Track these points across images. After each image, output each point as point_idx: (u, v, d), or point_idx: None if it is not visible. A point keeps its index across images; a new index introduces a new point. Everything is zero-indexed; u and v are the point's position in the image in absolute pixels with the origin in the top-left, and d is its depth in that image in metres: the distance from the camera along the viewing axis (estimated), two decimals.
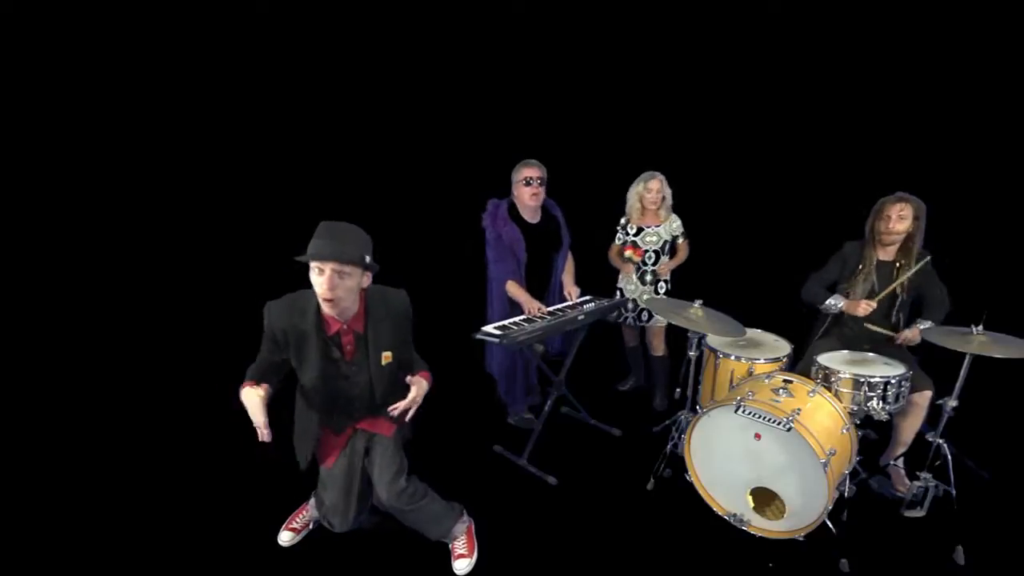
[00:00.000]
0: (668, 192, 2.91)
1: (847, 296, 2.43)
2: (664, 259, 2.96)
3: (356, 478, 1.83)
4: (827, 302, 2.42)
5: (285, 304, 1.66)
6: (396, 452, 1.83)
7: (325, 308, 1.60)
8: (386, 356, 1.73)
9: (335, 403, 1.77)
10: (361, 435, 1.85)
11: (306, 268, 1.58)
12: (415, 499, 1.83)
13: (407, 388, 1.74)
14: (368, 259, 1.60)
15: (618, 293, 3.08)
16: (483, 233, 2.67)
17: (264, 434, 1.55)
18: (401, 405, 1.69)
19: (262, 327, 1.67)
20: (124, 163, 3.72)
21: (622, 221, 3.02)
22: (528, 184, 2.59)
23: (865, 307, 2.32)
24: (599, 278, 3.14)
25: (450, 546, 1.96)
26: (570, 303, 2.73)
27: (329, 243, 1.54)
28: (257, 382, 1.63)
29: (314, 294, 1.60)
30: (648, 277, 2.98)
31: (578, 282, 2.87)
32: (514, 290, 2.62)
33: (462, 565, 1.90)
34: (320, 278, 1.54)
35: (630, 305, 3.01)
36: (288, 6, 3.62)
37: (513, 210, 2.66)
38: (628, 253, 2.98)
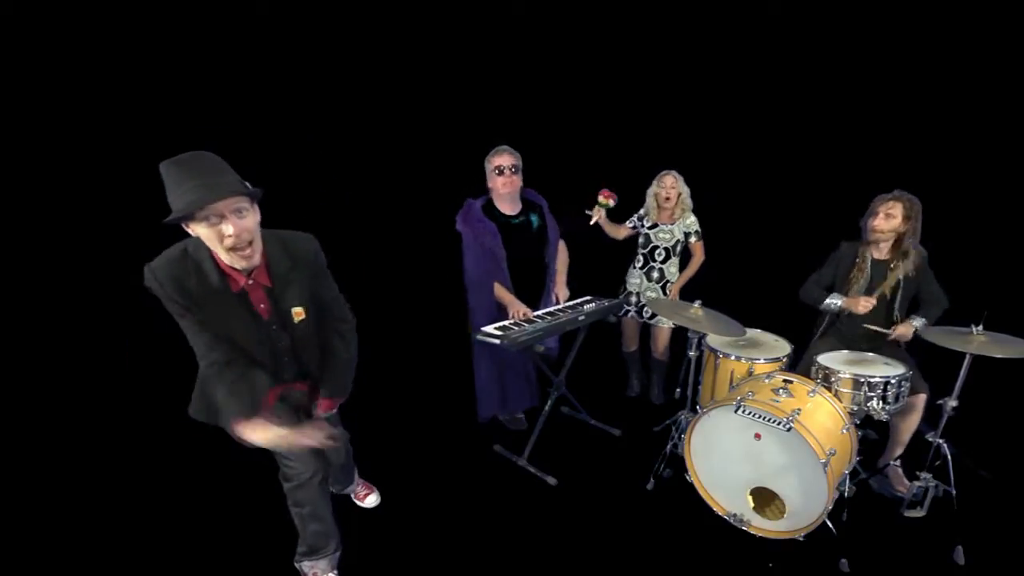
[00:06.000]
0: (685, 191, 2.91)
1: (845, 295, 2.43)
2: (673, 269, 2.95)
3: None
4: (826, 301, 2.42)
5: (170, 263, 1.30)
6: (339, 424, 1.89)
7: (238, 263, 1.28)
8: (297, 313, 1.45)
9: (273, 363, 1.51)
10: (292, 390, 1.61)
11: None
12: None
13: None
14: (248, 185, 1.26)
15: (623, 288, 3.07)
16: (460, 236, 2.57)
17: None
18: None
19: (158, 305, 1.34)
20: (108, 160, 3.71)
21: (640, 212, 3.03)
22: (500, 173, 2.48)
23: (865, 304, 2.32)
24: (600, 277, 3.13)
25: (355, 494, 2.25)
26: (569, 303, 2.67)
27: (208, 180, 1.16)
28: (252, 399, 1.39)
29: (197, 247, 1.29)
30: (655, 274, 2.97)
31: (579, 282, 2.84)
32: (500, 292, 2.54)
33: (373, 499, 2.24)
34: (218, 228, 1.19)
35: (633, 299, 3.01)
36: (272, 6, 3.59)
37: (490, 206, 2.55)
38: (603, 200, 2.81)
